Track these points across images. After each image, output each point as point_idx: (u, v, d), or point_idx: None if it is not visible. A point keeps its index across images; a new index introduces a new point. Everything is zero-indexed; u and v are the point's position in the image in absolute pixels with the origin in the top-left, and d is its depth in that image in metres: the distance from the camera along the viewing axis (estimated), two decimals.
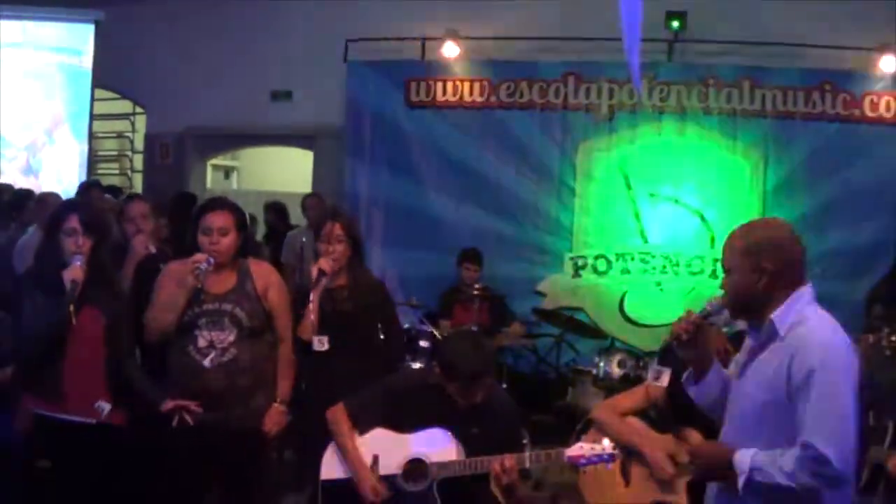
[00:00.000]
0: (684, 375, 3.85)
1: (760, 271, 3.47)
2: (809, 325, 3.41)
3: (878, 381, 6.85)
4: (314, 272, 5.75)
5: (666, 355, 3.85)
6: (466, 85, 11.21)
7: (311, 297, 5.67)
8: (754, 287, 3.49)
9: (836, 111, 10.51)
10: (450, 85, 11.25)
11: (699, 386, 3.79)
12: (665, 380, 3.98)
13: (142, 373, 5.29)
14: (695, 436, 5.24)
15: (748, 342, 3.68)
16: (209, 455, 5.21)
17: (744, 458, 3.36)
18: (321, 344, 5.72)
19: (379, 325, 6.14)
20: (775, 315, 3.46)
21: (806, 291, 3.50)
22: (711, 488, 3.72)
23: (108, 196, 9.80)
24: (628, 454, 5.33)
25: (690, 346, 3.70)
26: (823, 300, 3.55)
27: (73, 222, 5.04)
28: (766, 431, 3.42)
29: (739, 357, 3.74)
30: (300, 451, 6.51)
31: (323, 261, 5.78)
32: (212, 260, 5.15)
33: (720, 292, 3.71)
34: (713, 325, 5.49)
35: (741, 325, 4.17)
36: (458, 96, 11.23)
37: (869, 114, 10.49)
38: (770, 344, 3.49)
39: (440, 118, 11.24)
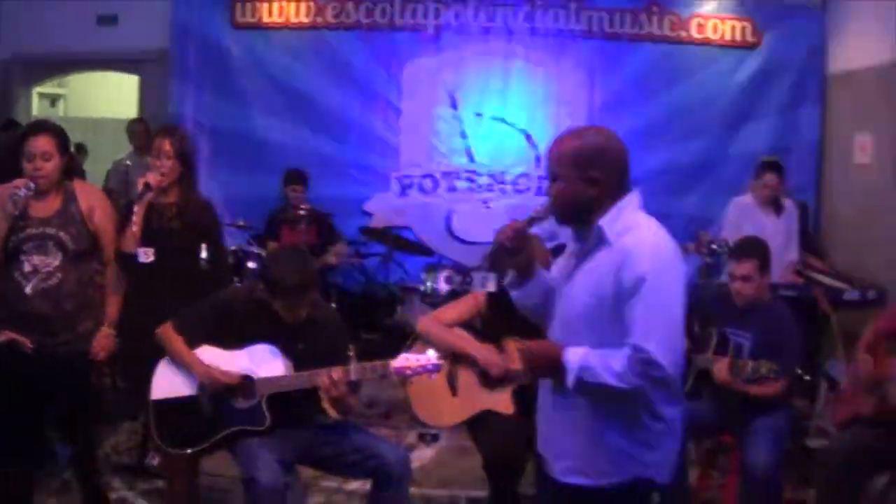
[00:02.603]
0: (506, 279, 3.84)
1: (589, 179, 3.45)
2: (639, 232, 3.41)
3: (702, 289, 7.14)
4: (140, 185, 5.68)
5: (494, 264, 3.87)
6: (292, 5, 11.05)
7: (135, 209, 5.58)
8: (583, 194, 3.47)
9: (662, 33, 10.80)
10: (276, 5, 11.07)
11: (522, 290, 3.77)
12: (491, 285, 4.01)
13: None
14: (515, 345, 5.39)
15: (573, 248, 3.65)
16: (38, 380, 5.18)
17: (573, 357, 3.36)
18: (146, 255, 5.61)
19: (204, 246, 6.07)
20: (603, 221, 3.43)
21: (633, 197, 3.51)
22: (542, 390, 3.73)
23: None
24: (455, 362, 5.47)
25: (515, 253, 3.65)
26: (651, 216, 3.54)
27: None
28: (591, 334, 3.41)
29: (565, 263, 3.71)
30: (129, 376, 6.46)
31: (150, 174, 5.72)
32: (32, 185, 5.10)
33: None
34: (537, 237, 5.67)
35: (563, 238, 4.26)
36: (283, 17, 11.07)
37: (696, 36, 10.81)
38: (598, 250, 3.47)
39: (266, 39, 11.09)
